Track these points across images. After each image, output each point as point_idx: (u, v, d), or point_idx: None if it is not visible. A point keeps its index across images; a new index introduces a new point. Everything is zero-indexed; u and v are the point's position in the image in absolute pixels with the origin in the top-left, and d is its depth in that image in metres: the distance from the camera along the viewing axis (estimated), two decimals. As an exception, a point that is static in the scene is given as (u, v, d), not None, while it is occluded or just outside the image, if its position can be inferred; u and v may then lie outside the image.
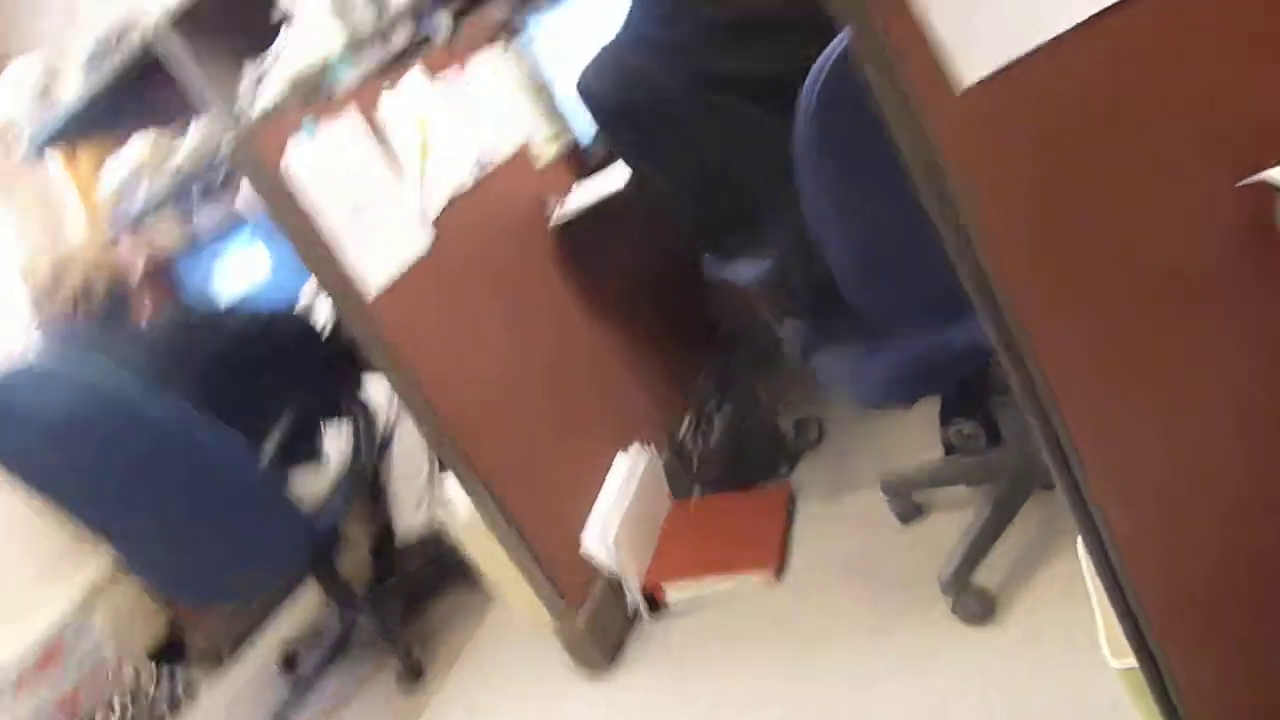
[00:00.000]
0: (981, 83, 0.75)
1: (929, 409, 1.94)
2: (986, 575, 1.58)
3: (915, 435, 2.04)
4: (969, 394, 1.87)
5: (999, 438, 1.83)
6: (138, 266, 2.26)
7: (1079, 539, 0.91)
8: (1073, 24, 0.71)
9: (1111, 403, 0.85)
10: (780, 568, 1.92)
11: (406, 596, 2.58)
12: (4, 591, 2.69)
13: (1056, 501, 0.88)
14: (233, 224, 3.10)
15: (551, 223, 2.17)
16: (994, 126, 0.77)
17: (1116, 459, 0.87)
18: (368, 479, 2.26)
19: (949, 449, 1.90)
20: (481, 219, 2.02)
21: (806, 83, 1.18)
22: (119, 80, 2.76)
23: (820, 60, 1.16)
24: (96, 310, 2.06)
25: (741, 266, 1.54)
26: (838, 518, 1.99)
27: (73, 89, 2.81)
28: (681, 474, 2.26)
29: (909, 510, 1.86)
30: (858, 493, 2.01)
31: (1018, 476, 1.63)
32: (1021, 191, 0.80)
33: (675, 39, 1.45)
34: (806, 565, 1.91)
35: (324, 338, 2.20)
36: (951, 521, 1.78)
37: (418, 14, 2.36)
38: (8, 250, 3.17)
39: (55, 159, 2.98)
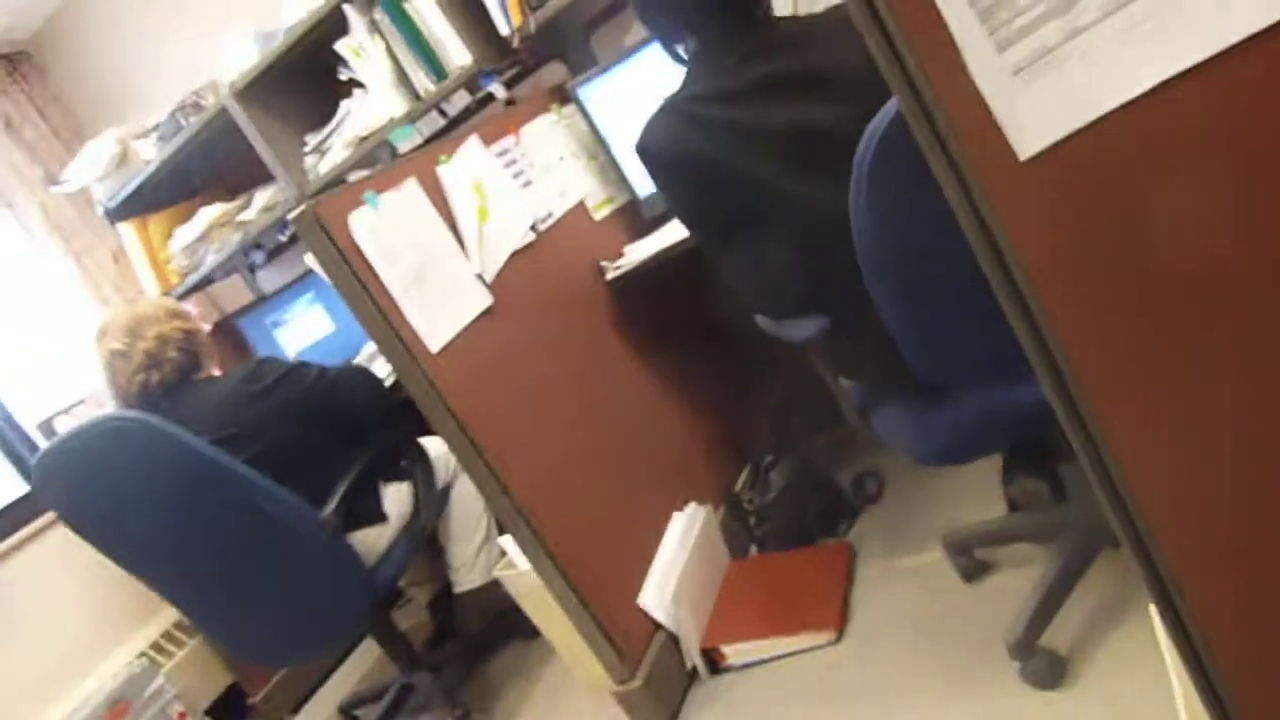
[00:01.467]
0: (1043, 153, 0.75)
1: (991, 461, 1.91)
2: (1056, 636, 1.54)
3: (977, 489, 2.01)
4: (1032, 449, 1.84)
5: (1064, 493, 1.79)
6: (205, 327, 2.34)
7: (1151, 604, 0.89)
8: (1132, 95, 0.71)
9: (1180, 469, 0.83)
10: (841, 627, 1.88)
11: (465, 654, 2.58)
12: (72, 649, 2.75)
13: (1127, 558, 0.85)
14: (296, 284, 3.19)
15: (608, 278, 2.19)
16: (1055, 194, 0.77)
17: (1187, 524, 0.85)
18: (426, 537, 2.28)
19: (1012, 505, 1.87)
20: (539, 278, 2.05)
21: (861, 143, 1.18)
22: (189, 150, 2.88)
23: (875, 121, 1.16)
24: (167, 373, 2.13)
25: (795, 325, 1.54)
26: (899, 576, 1.96)
27: (146, 159, 2.93)
28: (739, 532, 2.25)
29: (973, 568, 1.82)
30: (919, 550, 1.98)
31: (1085, 534, 1.59)
32: (1084, 259, 0.80)
33: (734, 92, 1.48)
34: (868, 625, 1.87)
35: (385, 395, 2.24)
36: (1018, 580, 1.74)
37: (474, 83, 2.43)
38: (82, 313, 3.29)
39: (128, 227, 3.09)
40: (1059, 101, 0.72)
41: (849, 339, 1.47)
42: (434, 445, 2.34)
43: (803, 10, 2.04)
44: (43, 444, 2.22)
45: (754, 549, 2.26)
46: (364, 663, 3.02)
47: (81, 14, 3.36)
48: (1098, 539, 1.59)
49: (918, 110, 0.77)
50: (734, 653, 1.94)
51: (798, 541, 2.18)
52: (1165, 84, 0.70)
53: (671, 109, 1.55)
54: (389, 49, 2.48)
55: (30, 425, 3.12)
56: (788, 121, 1.43)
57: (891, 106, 1.13)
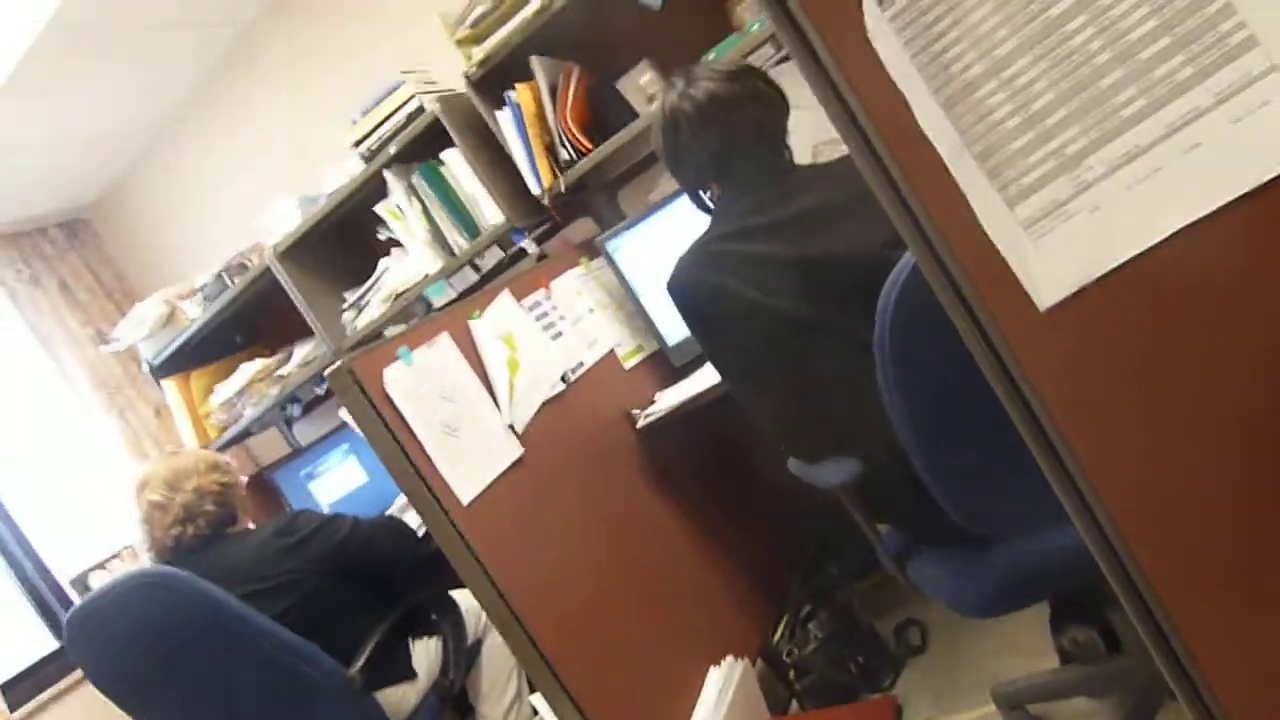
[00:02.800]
0: (1062, 302, 0.75)
1: (1039, 607, 1.84)
2: (1122, 802, 1.44)
3: (1027, 636, 1.92)
4: (1080, 596, 1.77)
5: (1118, 644, 1.71)
6: (242, 480, 2.36)
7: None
8: (1148, 245, 0.72)
9: (1232, 617, 0.80)
10: (891, 791, 1.78)
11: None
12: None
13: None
14: (331, 437, 3.23)
15: (638, 426, 2.20)
16: (1078, 342, 0.78)
17: (1247, 679, 0.80)
18: (456, 695, 2.21)
19: (1064, 656, 1.78)
20: (569, 428, 2.06)
21: (882, 293, 1.20)
22: (232, 308, 2.98)
23: (895, 270, 1.18)
24: (202, 526, 2.14)
25: (826, 469, 1.53)
26: (949, 734, 1.86)
27: (191, 317, 3.04)
28: (778, 687, 2.16)
29: (1027, 725, 1.72)
30: (970, 705, 1.88)
31: (1145, 687, 1.51)
32: (1111, 404, 0.79)
33: (761, 228, 1.52)
34: (919, 788, 1.77)
35: (418, 547, 2.23)
36: (1076, 738, 1.65)
37: (505, 239, 2.53)
38: (121, 468, 3.34)
39: (170, 383, 3.18)
40: (1073, 253, 0.74)
41: (882, 484, 1.45)
42: (464, 599, 2.30)
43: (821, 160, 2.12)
44: (76, 600, 2.22)
45: (794, 705, 2.16)
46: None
47: (137, 185, 3.57)
48: (1159, 691, 1.51)
49: (934, 265, 0.79)
50: (777, 820, 1.83)
51: (840, 696, 2.09)
52: (1181, 231, 0.72)
53: (701, 248, 1.60)
54: (425, 210, 2.59)
55: (65, 580, 3.13)
56: (816, 251, 1.46)
57: (910, 257, 1.15)
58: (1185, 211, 0.70)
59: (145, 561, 2.26)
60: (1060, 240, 0.74)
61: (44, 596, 3.14)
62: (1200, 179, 0.69)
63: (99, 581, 2.78)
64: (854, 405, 1.41)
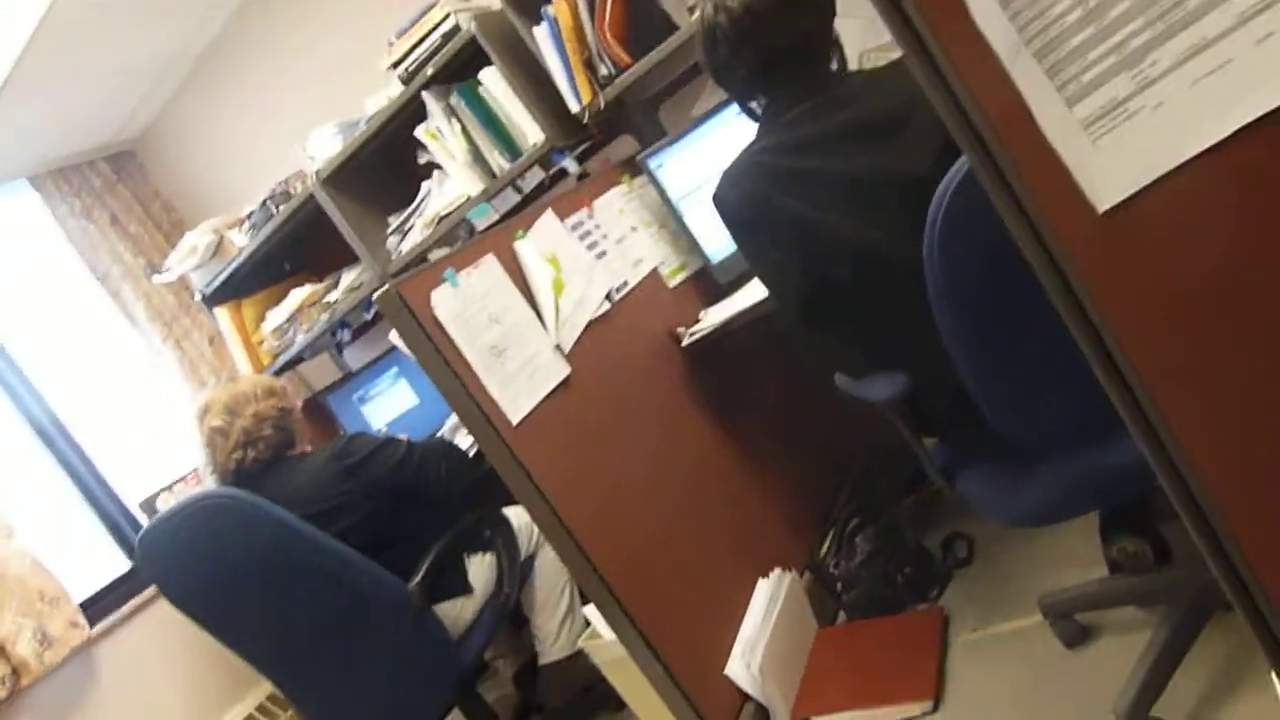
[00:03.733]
0: (1121, 204, 0.73)
1: (1088, 518, 1.83)
2: (1168, 708, 1.45)
3: (1074, 549, 1.93)
4: (1130, 506, 1.76)
5: (1168, 554, 1.70)
6: (298, 404, 2.41)
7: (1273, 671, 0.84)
8: (1213, 141, 0.70)
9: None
10: (937, 696, 1.81)
11: (552, 727, 2.56)
12: (171, 723, 2.81)
13: (1242, 622, 0.80)
14: (381, 361, 3.29)
15: (683, 345, 2.20)
16: (1136, 244, 0.76)
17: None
18: (511, 609, 2.28)
19: (1114, 567, 1.78)
20: (615, 347, 2.07)
21: (934, 200, 1.17)
22: (279, 236, 3.01)
23: (948, 176, 1.15)
24: (262, 450, 2.20)
25: (874, 384, 1.52)
26: (996, 643, 1.88)
27: (240, 246, 3.08)
28: (826, 598, 2.19)
29: (1074, 634, 1.73)
30: (1016, 615, 1.90)
31: (1195, 597, 1.50)
32: (1171, 308, 0.77)
33: (808, 140, 1.50)
34: (965, 695, 1.80)
35: (470, 467, 2.28)
36: (1124, 646, 1.65)
37: (546, 159, 2.51)
38: (181, 395, 3.44)
39: (223, 311, 3.24)
40: (1134, 152, 0.71)
41: (930, 398, 1.44)
42: (516, 515, 2.36)
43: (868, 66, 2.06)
44: (145, 521, 2.31)
45: (842, 616, 2.20)
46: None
47: (179, 116, 3.58)
48: (1209, 601, 1.50)
49: (989, 167, 0.77)
50: (825, 724, 1.88)
51: (887, 608, 2.12)
52: (1249, 126, 0.69)
53: (748, 159, 1.58)
54: (465, 131, 2.58)
55: (133, 504, 3.26)
56: (865, 168, 1.44)
57: (964, 161, 1.12)
58: (1256, 104, 0.67)
59: (209, 485, 2.34)
60: (1120, 139, 0.71)
61: (115, 520, 3.28)
62: (1273, 70, 0.66)
63: (166, 504, 2.89)
64: (901, 322, 1.40)
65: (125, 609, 2.97)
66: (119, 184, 3.60)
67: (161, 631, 2.96)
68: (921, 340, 1.32)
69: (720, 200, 1.63)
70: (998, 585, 2.04)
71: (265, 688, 2.98)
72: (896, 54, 1.53)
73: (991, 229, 0.83)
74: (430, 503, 2.24)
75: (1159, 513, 1.71)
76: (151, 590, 2.96)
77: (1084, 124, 0.72)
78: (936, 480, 1.58)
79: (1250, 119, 0.68)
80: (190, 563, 2.00)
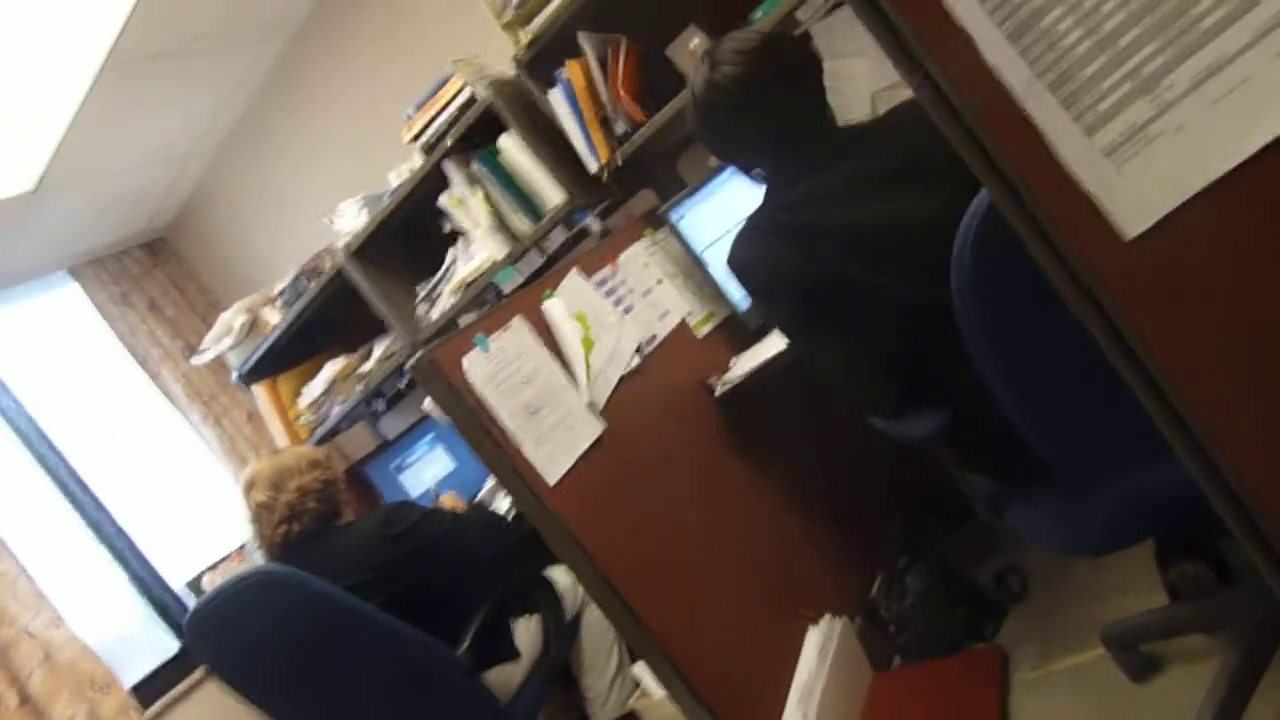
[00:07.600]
0: (1150, 229, 0.73)
1: (1141, 545, 1.79)
2: (1246, 738, 1.40)
3: (1130, 575, 1.87)
4: (1186, 529, 1.71)
5: (1230, 575, 1.65)
6: (342, 472, 2.43)
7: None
8: (1237, 161, 0.69)
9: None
10: (1002, 740, 1.76)
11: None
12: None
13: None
14: (417, 428, 3.30)
15: (716, 394, 2.20)
16: (1169, 268, 0.75)
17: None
18: (559, 670, 2.26)
19: (1173, 593, 1.73)
20: (649, 401, 2.07)
21: (959, 233, 1.17)
22: (311, 311, 3.06)
23: (972, 208, 1.15)
24: (307, 523, 2.21)
25: (912, 423, 1.50)
26: (1059, 678, 1.83)
27: (273, 323, 3.13)
28: (879, 642, 2.15)
29: (1140, 666, 1.68)
30: (1077, 649, 1.84)
31: (1263, 619, 1.46)
32: (1210, 327, 0.76)
33: (816, 195, 1.50)
34: (1032, 735, 1.75)
35: (512, 538, 2.27)
36: (1193, 675, 1.60)
37: (568, 219, 2.53)
38: (221, 473, 3.48)
39: (260, 388, 3.28)
40: (1159, 177, 0.71)
41: (971, 433, 1.42)
42: (561, 575, 2.34)
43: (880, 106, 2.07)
44: (191, 602, 2.32)
45: (897, 659, 2.15)
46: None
47: (209, 202, 3.68)
48: (1278, 621, 1.46)
49: (1012, 202, 0.77)
50: (889, 774, 1.83)
51: (943, 648, 2.07)
52: (1275, 142, 0.68)
53: (755, 221, 1.60)
54: (487, 197, 2.62)
55: (179, 585, 3.28)
56: (877, 217, 1.44)
57: (984, 195, 1.12)
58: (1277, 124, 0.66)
59: (257, 560, 2.35)
60: (1145, 164, 0.71)
61: (163, 601, 3.30)
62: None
63: (211, 584, 2.90)
64: (934, 360, 1.39)
65: (176, 691, 2.98)
66: (155, 269, 3.69)
67: (213, 713, 2.95)
68: (955, 376, 1.31)
69: (732, 264, 1.64)
70: (1055, 618, 1.99)
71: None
72: (907, 93, 1.54)
73: (1018, 260, 0.82)
74: (475, 567, 2.23)
75: (1216, 531, 1.67)
76: (201, 671, 2.97)
77: (1105, 152, 0.71)
78: (985, 514, 1.55)
79: (1276, 134, 0.67)
80: (240, 641, 2.00)
